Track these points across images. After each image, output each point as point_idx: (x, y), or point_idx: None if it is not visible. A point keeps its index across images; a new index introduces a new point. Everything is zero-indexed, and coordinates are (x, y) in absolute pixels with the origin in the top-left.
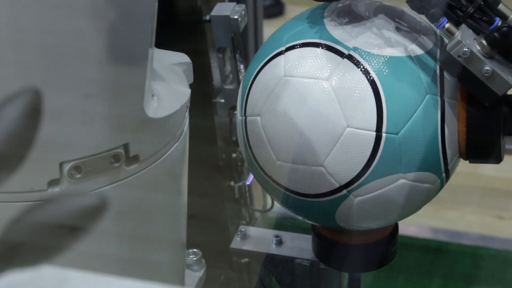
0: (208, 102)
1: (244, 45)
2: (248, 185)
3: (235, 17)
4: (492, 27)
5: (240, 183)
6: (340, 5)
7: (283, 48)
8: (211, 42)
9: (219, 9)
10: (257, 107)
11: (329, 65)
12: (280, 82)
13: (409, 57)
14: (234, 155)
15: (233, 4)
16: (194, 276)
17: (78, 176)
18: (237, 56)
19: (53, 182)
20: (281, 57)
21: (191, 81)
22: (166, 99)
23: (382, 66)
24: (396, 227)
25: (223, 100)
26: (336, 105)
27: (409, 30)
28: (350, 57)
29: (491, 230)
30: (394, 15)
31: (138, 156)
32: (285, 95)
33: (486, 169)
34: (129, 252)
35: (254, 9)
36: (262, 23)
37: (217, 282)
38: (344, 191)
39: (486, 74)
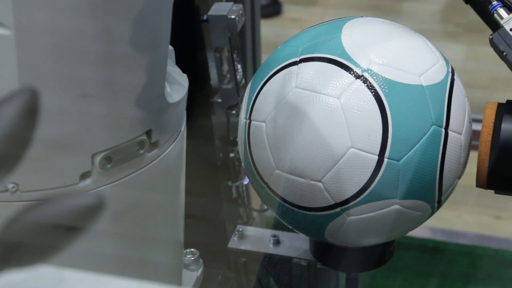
0: (206, 101)
1: (242, 45)
2: (246, 184)
3: (233, 16)
4: None
5: (238, 183)
6: (361, 21)
7: (298, 59)
8: (208, 42)
9: (217, 9)
10: (263, 113)
11: (341, 83)
12: (291, 92)
13: (421, 86)
14: (231, 154)
15: (231, 3)
16: (191, 275)
17: (109, 166)
18: (235, 55)
19: (84, 175)
20: (295, 67)
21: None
22: (173, 84)
23: (393, 92)
24: None
25: (220, 100)
26: (343, 124)
27: (425, 58)
28: (363, 78)
29: (488, 230)
30: (412, 41)
31: (158, 142)
32: (293, 106)
33: None
34: (127, 251)
35: (251, 9)
36: (259, 23)
37: (215, 282)
38: (338, 209)
39: None
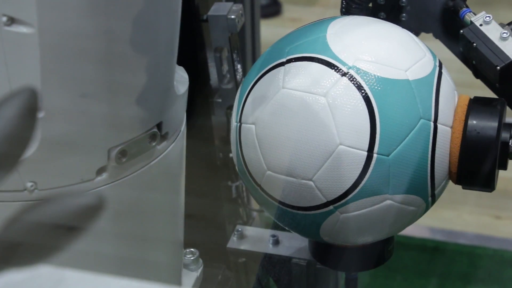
0: (205, 101)
1: (241, 45)
2: None
3: (232, 17)
4: None
5: (237, 183)
6: (346, 20)
7: (284, 60)
8: (208, 42)
9: (216, 9)
10: (252, 115)
11: (328, 82)
12: (278, 93)
13: (407, 80)
14: (231, 154)
15: (230, 4)
16: (191, 275)
17: (124, 160)
18: (234, 56)
19: (100, 170)
20: (281, 68)
21: None
22: (176, 76)
23: (379, 88)
24: None
25: (220, 100)
26: (331, 122)
27: (410, 53)
28: (349, 76)
29: (488, 230)
30: (398, 36)
31: (167, 134)
32: (281, 106)
33: None
34: (127, 251)
35: (251, 9)
36: (259, 23)
37: (214, 282)
38: (331, 207)
39: (504, 35)
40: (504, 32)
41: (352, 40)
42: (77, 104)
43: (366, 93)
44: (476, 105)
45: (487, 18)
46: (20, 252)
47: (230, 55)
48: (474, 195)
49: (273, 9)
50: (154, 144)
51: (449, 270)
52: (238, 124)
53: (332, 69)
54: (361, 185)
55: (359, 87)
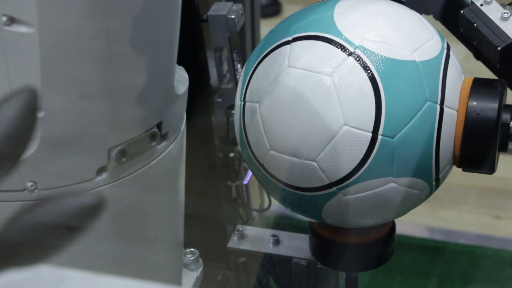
0: (205, 101)
1: (241, 45)
2: (246, 184)
3: (232, 16)
4: None
5: (238, 183)
6: (353, 0)
7: (290, 38)
8: (208, 42)
9: (216, 9)
10: (257, 94)
11: (334, 61)
12: (283, 72)
13: (414, 62)
14: (231, 154)
15: (230, 3)
16: (191, 275)
17: (124, 159)
18: (234, 55)
19: (100, 170)
20: (287, 47)
21: None
22: (176, 75)
23: (386, 68)
24: (393, 226)
25: (220, 100)
26: (336, 102)
27: (418, 34)
28: (355, 55)
29: (488, 230)
30: (406, 17)
31: (167, 134)
32: (286, 85)
33: None
34: (126, 251)
35: (251, 9)
36: (259, 23)
37: (214, 282)
38: (334, 188)
39: (505, 15)
40: (505, 12)
41: (359, 19)
42: (77, 104)
43: (372, 74)
44: (477, 86)
45: None
46: (20, 252)
47: (230, 55)
48: (474, 195)
49: (273, 9)
50: (154, 144)
51: (449, 270)
52: (242, 103)
53: (338, 48)
54: (364, 167)
55: (365, 68)
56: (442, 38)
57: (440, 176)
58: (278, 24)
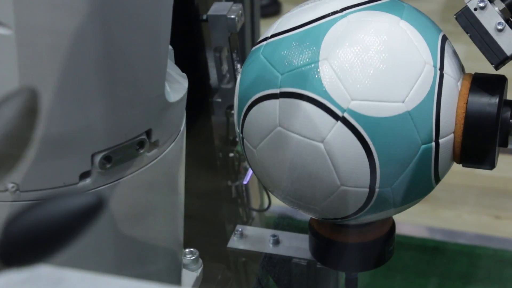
0: (205, 101)
1: (241, 45)
2: (245, 184)
3: (232, 16)
4: None
5: (237, 183)
6: (337, 35)
7: (277, 92)
8: (208, 42)
9: (216, 9)
10: (252, 140)
11: (324, 127)
12: (275, 131)
13: (405, 113)
14: (231, 154)
15: (230, 3)
16: (191, 275)
17: (108, 166)
18: (234, 55)
19: (84, 175)
20: (275, 102)
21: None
22: (173, 83)
23: (376, 129)
24: (393, 226)
25: (220, 100)
26: (330, 167)
27: (409, 70)
28: (344, 120)
29: (488, 230)
30: (394, 50)
31: (157, 142)
32: (279, 145)
33: None
34: (126, 251)
35: (251, 9)
36: (259, 23)
37: (214, 282)
38: (338, 220)
39: (499, 27)
40: (499, 22)
41: (345, 71)
42: (59, 106)
43: (362, 136)
44: (477, 82)
45: (481, 3)
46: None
47: (230, 55)
48: (474, 195)
49: (273, 9)
50: (142, 151)
51: (449, 270)
52: (241, 135)
53: (327, 112)
54: (365, 210)
55: (355, 131)
56: (434, 51)
57: (440, 178)
58: (262, 50)
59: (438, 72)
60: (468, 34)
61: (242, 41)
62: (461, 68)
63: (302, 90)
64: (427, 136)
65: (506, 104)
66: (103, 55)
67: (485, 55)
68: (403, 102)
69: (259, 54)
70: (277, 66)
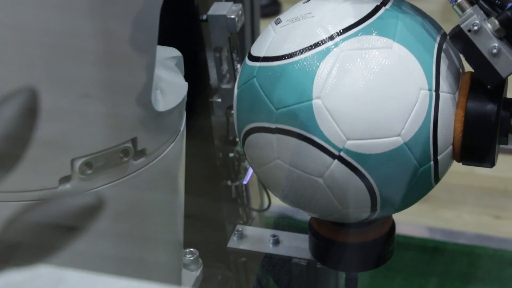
0: (205, 101)
1: (241, 45)
2: (245, 184)
3: (232, 16)
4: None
5: (237, 183)
6: (328, 70)
7: (273, 127)
8: (208, 42)
9: (216, 9)
10: (254, 164)
11: (321, 166)
12: (273, 163)
13: (402, 145)
14: (231, 154)
15: (230, 3)
16: (191, 275)
17: (89, 172)
18: (234, 55)
19: (64, 179)
20: (272, 137)
21: (183, 74)
22: (168, 92)
23: (372, 164)
24: (393, 226)
25: (220, 100)
26: (331, 198)
27: (404, 102)
28: (341, 159)
29: (487, 230)
30: (388, 83)
31: (145, 150)
32: (279, 176)
33: (483, 168)
34: (126, 251)
35: (251, 9)
36: (259, 23)
37: (214, 282)
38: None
39: (494, 51)
40: (494, 46)
41: (338, 111)
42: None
43: (361, 172)
44: (477, 80)
45: (475, 26)
46: (19, 252)
47: (229, 55)
48: (474, 195)
49: (272, 9)
50: (126, 159)
51: (449, 270)
52: (243, 150)
53: (323, 151)
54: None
55: (353, 168)
56: (429, 72)
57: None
58: (258, 78)
59: (434, 94)
60: (463, 56)
61: (242, 41)
62: (460, 72)
63: (298, 129)
64: (425, 159)
65: (506, 102)
66: (82, 59)
67: (480, 77)
68: (399, 135)
69: (254, 80)
70: (271, 99)
